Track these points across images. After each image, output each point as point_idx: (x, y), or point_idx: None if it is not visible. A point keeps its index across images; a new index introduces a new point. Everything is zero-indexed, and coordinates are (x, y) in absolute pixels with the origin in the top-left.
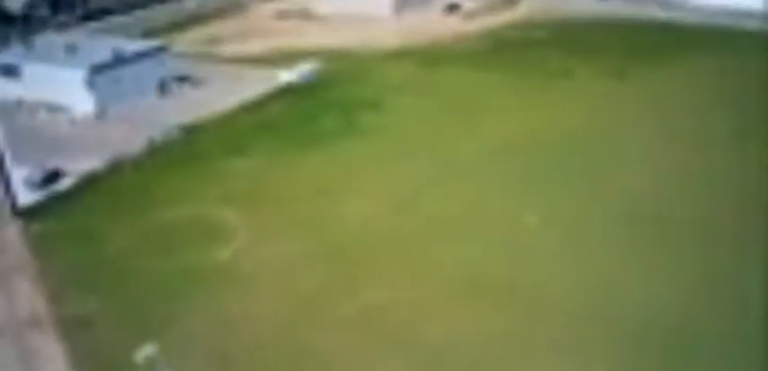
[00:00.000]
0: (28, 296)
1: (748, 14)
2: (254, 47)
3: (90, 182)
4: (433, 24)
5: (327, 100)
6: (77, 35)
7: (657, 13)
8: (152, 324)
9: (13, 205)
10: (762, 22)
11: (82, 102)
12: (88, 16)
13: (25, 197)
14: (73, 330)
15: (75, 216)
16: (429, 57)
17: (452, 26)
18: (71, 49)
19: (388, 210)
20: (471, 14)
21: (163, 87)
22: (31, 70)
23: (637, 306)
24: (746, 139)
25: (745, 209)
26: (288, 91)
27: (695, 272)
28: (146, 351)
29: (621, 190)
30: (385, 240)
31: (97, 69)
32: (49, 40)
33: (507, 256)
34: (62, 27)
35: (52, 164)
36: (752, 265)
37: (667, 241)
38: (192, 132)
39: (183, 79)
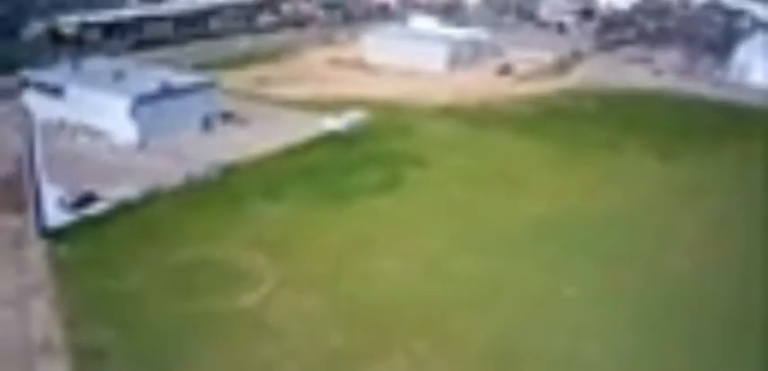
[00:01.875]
0: (43, 320)
1: None
2: (303, 91)
3: (123, 210)
4: (485, 84)
5: (371, 152)
6: (127, 62)
7: (711, 91)
8: (165, 366)
9: (42, 226)
10: None
11: (124, 129)
12: (140, 44)
13: (56, 218)
14: (84, 360)
15: (103, 243)
16: (478, 117)
17: (503, 88)
18: (118, 76)
19: (421, 272)
20: (523, 78)
21: (207, 123)
22: (75, 92)
23: None
24: None
25: None
26: (332, 138)
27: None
28: None
29: (659, 273)
30: (413, 304)
31: (142, 99)
32: (98, 64)
33: (537, 329)
34: (113, 53)
35: (87, 188)
36: None
37: (701, 330)
38: (231, 172)
39: (228, 117)
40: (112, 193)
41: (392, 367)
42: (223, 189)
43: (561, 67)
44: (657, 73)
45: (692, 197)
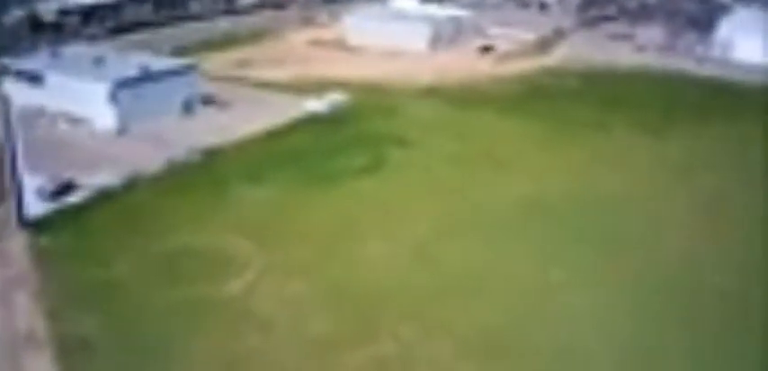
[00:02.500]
0: (26, 312)
1: None
2: (285, 73)
3: (103, 197)
4: (467, 64)
5: (354, 133)
6: (106, 48)
7: (694, 67)
8: (153, 356)
9: (22, 217)
10: None
11: (103, 115)
12: (119, 29)
13: (36, 207)
14: (70, 351)
15: (85, 232)
16: (461, 97)
17: (485, 68)
18: (97, 62)
19: (407, 256)
20: (505, 57)
21: (188, 107)
22: (54, 79)
23: None
24: None
25: None
26: (315, 121)
27: (720, 345)
28: None
29: (650, 255)
30: (401, 289)
31: (121, 84)
32: (77, 50)
33: (528, 316)
34: (92, 38)
35: (67, 176)
36: None
37: (694, 313)
38: (212, 156)
39: (208, 101)
40: (93, 180)
41: (379, 353)
42: (205, 174)
43: (543, 45)
44: (640, 49)
45: (683, 175)
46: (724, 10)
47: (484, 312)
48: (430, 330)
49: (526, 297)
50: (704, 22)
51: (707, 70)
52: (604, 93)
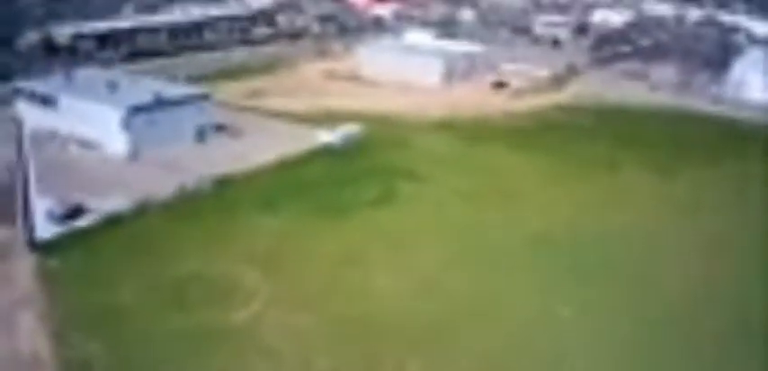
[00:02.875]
0: (31, 334)
1: None
2: (298, 104)
3: (113, 222)
4: (480, 100)
5: (366, 165)
6: (120, 73)
7: (708, 107)
8: None
9: (31, 239)
10: None
11: (116, 141)
12: (134, 55)
13: (45, 230)
14: None
15: (93, 256)
16: (473, 132)
17: (499, 103)
18: (111, 87)
19: (415, 289)
20: (518, 93)
21: (201, 135)
22: (67, 102)
23: None
24: None
25: None
26: (327, 152)
27: None
28: None
29: (653, 292)
30: (407, 322)
31: (135, 110)
32: (91, 74)
33: (534, 350)
34: (107, 63)
35: (77, 199)
36: None
37: (700, 350)
38: (224, 184)
39: (222, 129)
40: (103, 204)
41: None
42: (216, 202)
43: (556, 82)
44: (653, 88)
45: (690, 215)
46: (739, 50)
47: (489, 346)
48: (436, 364)
49: (532, 331)
50: (718, 62)
51: (720, 110)
52: (616, 130)
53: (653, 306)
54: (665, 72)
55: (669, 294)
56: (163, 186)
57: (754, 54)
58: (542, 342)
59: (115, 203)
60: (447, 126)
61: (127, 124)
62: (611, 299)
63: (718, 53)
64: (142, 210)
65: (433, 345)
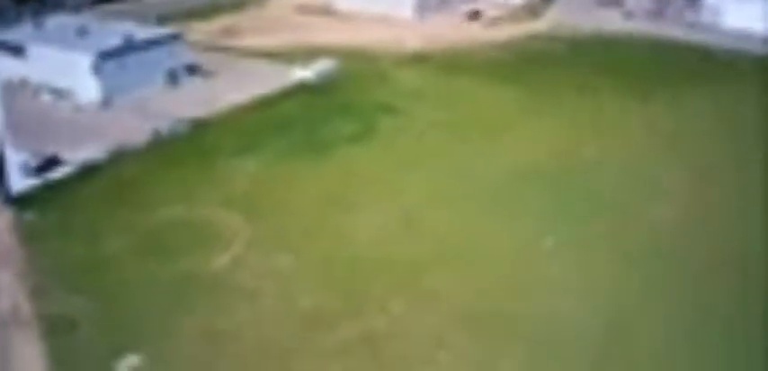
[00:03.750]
0: (11, 291)
1: None
2: (271, 41)
3: (89, 172)
4: (455, 30)
5: (343, 101)
6: (91, 18)
7: (684, 34)
8: (139, 333)
9: (6, 193)
10: None
11: (87, 88)
12: None
13: (20, 184)
14: (55, 330)
15: (70, 208)
16: (449, 63)
17: (473, 33)
18: (81, 33)
19: (396, 226)
20: (493, 22)
21: (173, 78)
22: (37, 51)
23: (651, 348)
24: None
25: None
26: (302, 89)
27: (709, 309)
28: (128, 361)
29: (641, 221)
30: (390, 261)
31: (105, 55)
32: (60, 21)
33: (518, 285)
34: (76, 8)
35: (51, 150)
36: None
37: (685, 280)
38: (199, 127)
39: (194, 70)
40: (78, 154)
41: (368, 327)
42: (192, 145)
43: (531, 10)
44: (628, 15)
45: (673, 142)
46: None
47: (473, 282)
48: (419, 302)
49: (517, 266)
50: None
51: (696, 37)
52: (593, 59)
53: (643, 238)
54: None
55: (659, 225)
56: (137, 132)
57: None
58: (529, 279)
59: (90, 152)
60: (423, 58)
61: (97, 70)
62: (600, 232)
63: None
64: (118, 157)
65: (416, 283)
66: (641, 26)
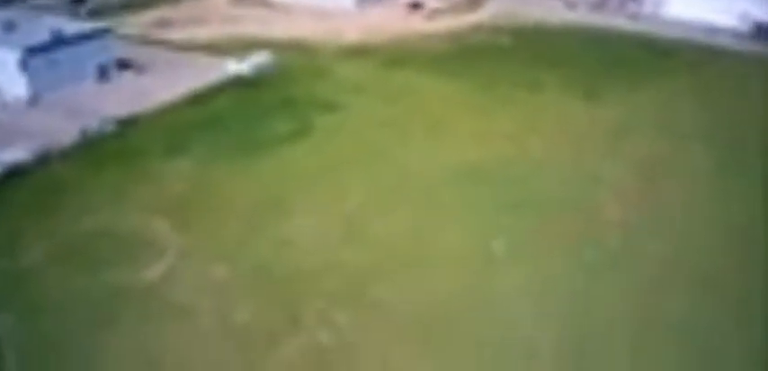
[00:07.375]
0: None
1: (718, 31)
2: (206, 33)
3: (13, 176)
4: (396, 22)
5: (280, 97)
6: (18, 11)
7: (626, 25)
8: (66, 354)
9: None
10: (733, 40)
11: (14, 85)
12: None
13: None
14: None
15: None
16: (390, 57)
17: (415, 25)
18: (8, 27)
19: (337, 231)
20: (434, 14)
21: (103, 73)
22: None
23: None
24: (724, 171)
25: (719, 250)
26: (238, 83)
27: (664, 314)
28: None
29: (592, 223)
30: (332, 269)
31: (32, 51)
32: None
33: (469, 293)
34: (4, 2)
35: None
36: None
37: (637, 280)
38: (129, 125)
39: (125, 65)
40: (3, 156)
41: (311, 342)
42: (122, 145)
43: (473, 1)
44: (569, 6)
45: (620, 138)
46: None
47: (421, 291)
48: (366, 314)
49: (466, 272)
50: None
51: (639, 28)
52: (536, 52)
53: (591, 239)
54: None
55: (607, 225)
56: (66, 132)
57: None
58: (478, 286)
59: (15, 153)
60: (363, 51)
61: (25, 66)
62: (548, 233)
63: None
64: (44, 159)
65: (361, 293)
66: (584, 17)
